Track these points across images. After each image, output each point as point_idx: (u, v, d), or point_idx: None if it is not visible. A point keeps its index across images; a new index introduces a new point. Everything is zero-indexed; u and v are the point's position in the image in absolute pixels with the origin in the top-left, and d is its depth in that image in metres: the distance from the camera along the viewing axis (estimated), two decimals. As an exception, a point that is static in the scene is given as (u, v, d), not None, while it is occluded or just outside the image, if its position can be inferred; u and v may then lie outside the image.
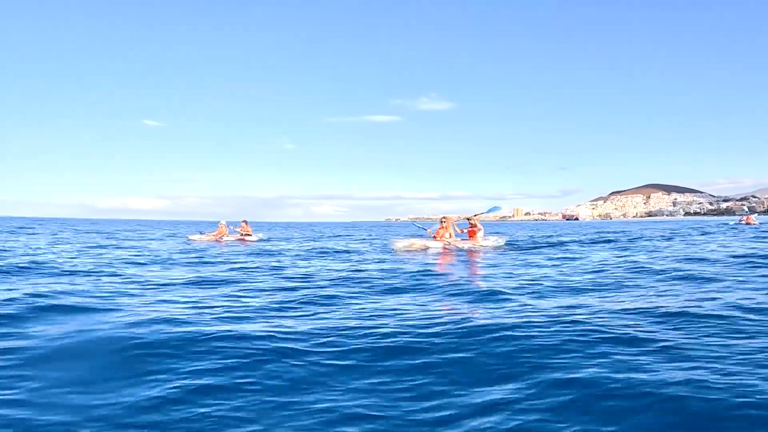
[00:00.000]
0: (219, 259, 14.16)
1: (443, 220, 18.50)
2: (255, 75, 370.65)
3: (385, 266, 11.99)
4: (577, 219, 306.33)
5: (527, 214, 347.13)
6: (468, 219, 18.85)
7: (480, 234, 18.46)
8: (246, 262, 13.59)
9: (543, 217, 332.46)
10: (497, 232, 27.11)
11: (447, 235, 18.13)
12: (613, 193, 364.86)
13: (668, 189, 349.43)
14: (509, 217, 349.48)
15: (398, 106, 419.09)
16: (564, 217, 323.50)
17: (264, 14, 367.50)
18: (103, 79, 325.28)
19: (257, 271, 11.14)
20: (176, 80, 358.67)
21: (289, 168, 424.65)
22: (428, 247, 16.90)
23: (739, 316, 5.66)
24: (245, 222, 27.08)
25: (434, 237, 18.15)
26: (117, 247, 19.18)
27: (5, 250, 15.93)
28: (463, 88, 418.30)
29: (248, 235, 26.52)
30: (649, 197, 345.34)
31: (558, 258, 14.32)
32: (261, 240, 27.04)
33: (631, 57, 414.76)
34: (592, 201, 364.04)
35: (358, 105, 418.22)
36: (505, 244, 19.45)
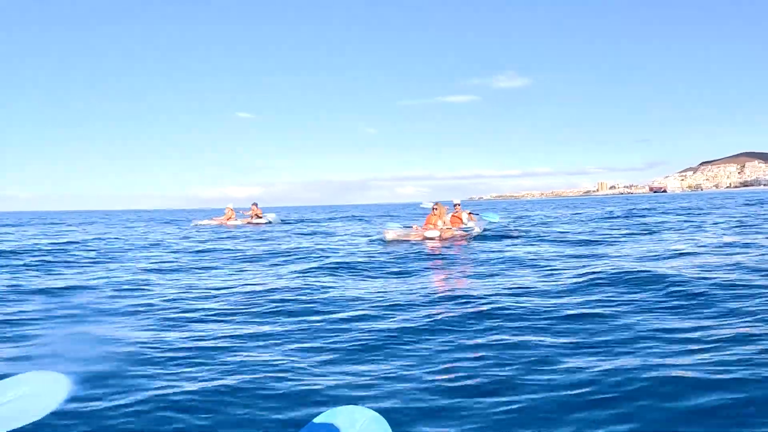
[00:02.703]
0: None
1: (435, 207, 17.38)
2: (335, 65, 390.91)
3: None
4: (665, 191, 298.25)
5: (612, 188, 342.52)
6: (455, 205, 18.28)
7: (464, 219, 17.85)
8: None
9: (629, 191, 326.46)
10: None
11: (441, 222, 16.97)
12: (703, 164, 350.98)
13: (765, 157, 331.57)
14: (593, 191, 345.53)
15: (475, 85, 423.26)
16: (651, 189, 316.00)
17: (340, 7, 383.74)
18: (198, 76, 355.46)
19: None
20: (265, 74, 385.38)
21: (372, 151, 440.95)
22: (425, 237, 15.98)
23: None
24: (255, 205, 29.23)
25: (424, 226, 16.88)
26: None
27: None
28: (539, 64, 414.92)
29: (258, 217, 28.73)
30: (743, 166, 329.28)
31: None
32: (269, 222, 28.62)
33: (716, 19, 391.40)
34: (680, 172, 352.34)
35: (435, 86, 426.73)
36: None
